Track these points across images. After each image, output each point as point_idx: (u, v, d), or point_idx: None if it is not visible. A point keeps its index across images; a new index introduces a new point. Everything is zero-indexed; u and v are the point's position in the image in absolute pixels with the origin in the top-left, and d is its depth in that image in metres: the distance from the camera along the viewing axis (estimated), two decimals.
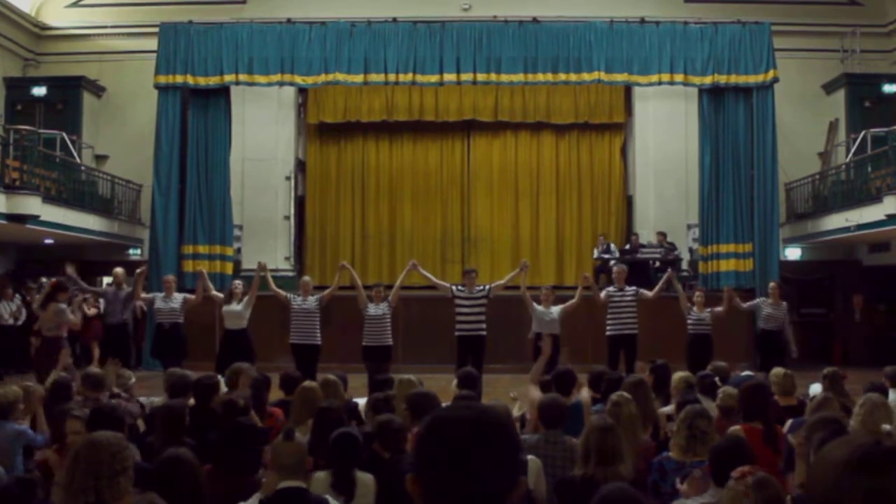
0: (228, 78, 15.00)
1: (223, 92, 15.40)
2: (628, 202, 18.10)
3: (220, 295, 10.57)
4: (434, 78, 15.02)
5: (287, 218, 17.37)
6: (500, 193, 18.44)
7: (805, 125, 16.52)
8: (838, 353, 14.91)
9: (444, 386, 7.05)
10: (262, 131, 16.94)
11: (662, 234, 15.92)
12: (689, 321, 10.49)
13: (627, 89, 17.31)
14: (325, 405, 4.92)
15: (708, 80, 14.89)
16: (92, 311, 14.09)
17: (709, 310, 10.51)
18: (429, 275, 10.41)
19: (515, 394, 6.37)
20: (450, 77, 14.92)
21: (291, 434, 3.61)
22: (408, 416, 4.83)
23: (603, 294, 10.54)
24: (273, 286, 10.29)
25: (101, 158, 17.03)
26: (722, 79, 14.87)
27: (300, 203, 18.00)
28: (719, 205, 14.97)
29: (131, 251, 16.81)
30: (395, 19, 14.98)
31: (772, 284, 11.44)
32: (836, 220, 14.29)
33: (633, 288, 10.57)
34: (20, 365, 13.82)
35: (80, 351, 14.16)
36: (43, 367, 8.30)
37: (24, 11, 16.74)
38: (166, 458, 3.47)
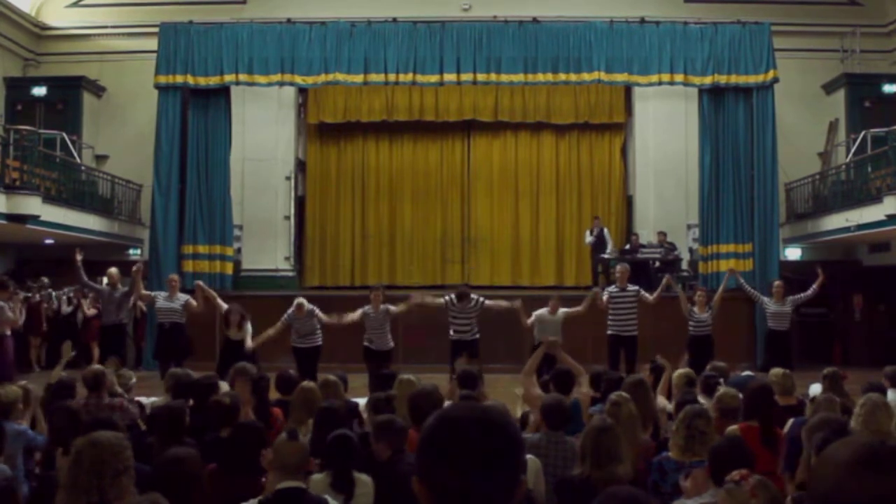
0: (228, 78, 15.00)
1: (223, 92, 15.39)
2: (628, 202, 18.10)
3: (224, 305, 10.26)
4: (434, 78, 15.02)
5: (287, 218, 17.37)
6: (500, 193, 18.44)
7: (805, 125, 16.52)
8: (838, 353, 14.91)
9: (443, 386, 7.04)
10: (262, 131, 16.93)
11: (663, 234, 15.91)
12: (690, 323, 10.49)
13: (627, 89, 17.31)
14: (326, 405, 4.92)
15: (708, 80, 14.88)
16: (92, 312, 14.10)
17: (709, 309, 10.50)
18: (428, 301, 10.41)
19: (519, 390, 6.35)
20: (450, 77, 14.92)
21: (295, 434, 3.61)
22: (408, 416, 4.83)
23: (605, 296, 10.54)
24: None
25: (101, 158, 17.03)
26: (722, 79, 14.87)
27: (300, 203, 17.99)
28: (719, 205, 14.97)
29: (131, 251, 16.80)
30: (395, 19, 14.98)
31: (776, 283, 11.40)
32: (836, 221, 14.28)
33: (636, 288, 10.57)
34: (20, 365, 13.85)
35: (80, 351, 14.17)
36: None
37: (24, 11, 16.74)
38: (171, 458, 3.46)
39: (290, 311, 9.88)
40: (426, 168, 18.57)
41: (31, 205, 12.58)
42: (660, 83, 15.12)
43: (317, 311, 10.00)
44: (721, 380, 6.40)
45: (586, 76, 14.95)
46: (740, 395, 5.04)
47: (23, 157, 13.36)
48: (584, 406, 5.52)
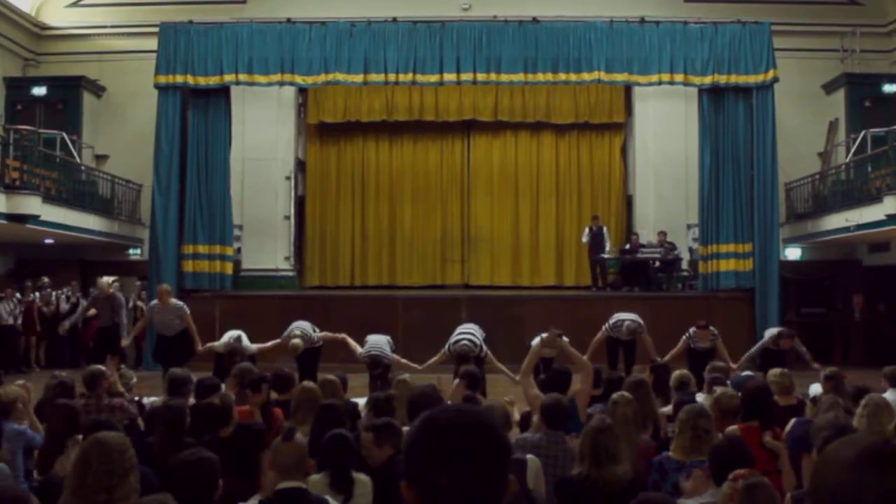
0: (228, 78, 15.00)
1: (223, 92, 15.39)
2: (628, 202, 18.11)
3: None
4: (434, 78, 15.02)
5: (287, 218, 17.37)
6: (500, 193, 18.45)
7: (805, 125, 16.52)
8: (838, 353, 14.90)
9: (443, 386, 7.04)
10: (262, 131, 16.93)
11: (663, 234, 15.92)
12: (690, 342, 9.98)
13: (627, 89, 17.31)
14: (327, 403, 4.91)
15: (708, 80, 14.88)
16: (92, 312, 14.10)
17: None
18: (432, 361, 9.56)
19: (511, 397, 6.32)
20: (450, 77, 14.92)
21: (292, 434, 3.60)
22: (407, 416, 4.82)
23: (600, 333, 10.33)
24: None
25: (101, 158, 17.03)
26: (722, 79, 14.86)
27: (300, 203, 18.00)
28: (719, 205, 14.97)
29: (131, 251, 16.81)
30: (395, 19, 14.98)
31: (784, 340, 9.82)
32: (836, 220, 14.28)
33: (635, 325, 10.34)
34: (20, 364, 13.85)
35: (80, 351, 14.19)
36: None
37: (24, 11, 16.74)
38: (190, 460, 3.41)
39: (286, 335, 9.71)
40: (426, 168, 18.57)
41: (31, 205, 12.58)
42: (660, 83, 15.12)
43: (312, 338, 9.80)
44: (728, 381, 6.39)
45: (586, 76, 14.95)
46: (740, 395, 5.04)
47: (23, 157, 13.37)
48: (581, 405, 5.50)
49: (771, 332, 10.20)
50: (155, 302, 10.66)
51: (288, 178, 17.41)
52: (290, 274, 17.15)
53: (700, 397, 5.95)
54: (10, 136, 13.66)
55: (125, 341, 11.08)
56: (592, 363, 6.50)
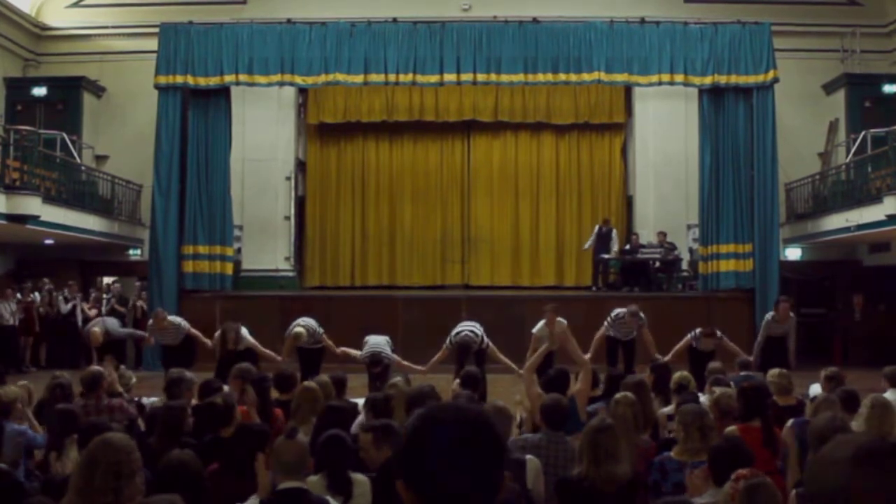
0: (228, 78, 14.99)
1: (223, 92, 15.38)
2: (628, 202, 18.11)
3: (208, 342, 10.07)
4: (434, 78, 15.01)
5: (287, 218, 17.38)
6: (500, 193, 18.45)
7: (805, 125, 16.52)
8: (838, 353, 14.90)
9: (443, 387, 7.04)
10: (262, 131, 16.94)
11: (663, 234, 15.92)
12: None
13: (627, 89, 17.31)
14: (333, 404, 4.91)
15: (708, 80, 14.87)
16: (92, 312, 14.12)
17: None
18: (435, 359, 9.60)
19: (520, 397, 6.32)
20: (450, 77, 14.91)
21: (294, 433, 3.60)
22: (406, 417, 4.82)
23: (600, 332, 10.38)
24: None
25: (101, 158, 17.03)
26: (722, 79, 14.85)
27: (300, 203, 18.00)
28: (719, 205, 14.96)
29: (131, 251, 16.81)
30: (395, 19, 14.97)
31: (782, 306, 10.45)
32: (836, 221, 14.28)
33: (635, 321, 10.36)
34: (20, 364, 13.86)
35: (80, 351, 14.18)
36: None
37: (24, 11, 16.74)
38: (172, 462, 3.43)
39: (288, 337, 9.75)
40: (426, 168, 18.58)
41: (31, 205, 12.58)
42: (660, 83, 15.11)
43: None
44: (730, 382, 6.38)
45: (586, 76, 14.94)
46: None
47: (23, 158, 13.37)
48: (581, 404, 5.50)
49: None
50: (152, 322, 10.70)
51: (288, 178, 17.42)
52: (291, 274, 17.15)
53: (702, 398, 5.95)
54: (10, 136, 13.67)
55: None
56: (592, 364, 6.49)
